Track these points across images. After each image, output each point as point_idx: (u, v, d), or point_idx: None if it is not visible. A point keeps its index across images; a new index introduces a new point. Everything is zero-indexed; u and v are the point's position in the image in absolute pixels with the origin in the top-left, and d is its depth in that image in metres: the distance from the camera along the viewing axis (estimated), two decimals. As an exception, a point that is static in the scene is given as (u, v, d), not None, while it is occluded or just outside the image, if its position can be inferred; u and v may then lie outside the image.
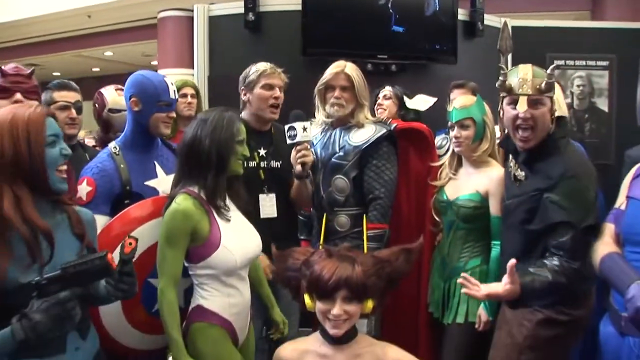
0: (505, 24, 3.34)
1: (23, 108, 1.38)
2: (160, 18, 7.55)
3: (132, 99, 1.97)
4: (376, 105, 3.00)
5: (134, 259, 1.43)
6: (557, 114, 1.93)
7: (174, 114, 2.06)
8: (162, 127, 2.00)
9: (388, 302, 2.28)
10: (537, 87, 1.79)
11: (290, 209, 2.33)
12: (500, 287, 1.69)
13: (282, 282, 1.74)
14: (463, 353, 2.10)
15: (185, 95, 2.99)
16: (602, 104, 4.16)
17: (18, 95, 1.86)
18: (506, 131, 1.94)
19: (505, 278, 1.69)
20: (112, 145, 1.99)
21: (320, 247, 2.22)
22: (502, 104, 1.91)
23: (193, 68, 3.67)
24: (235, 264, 1.72)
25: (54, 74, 11.67)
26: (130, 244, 1.37)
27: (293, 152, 2.17)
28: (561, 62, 4.10)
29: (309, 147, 2.17)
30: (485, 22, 3.75)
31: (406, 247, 1.69)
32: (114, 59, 11.03)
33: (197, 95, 3.06)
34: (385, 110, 2.97)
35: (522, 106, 1.80)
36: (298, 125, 2.11)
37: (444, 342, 2.17)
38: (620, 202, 1.65)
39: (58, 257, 1.33)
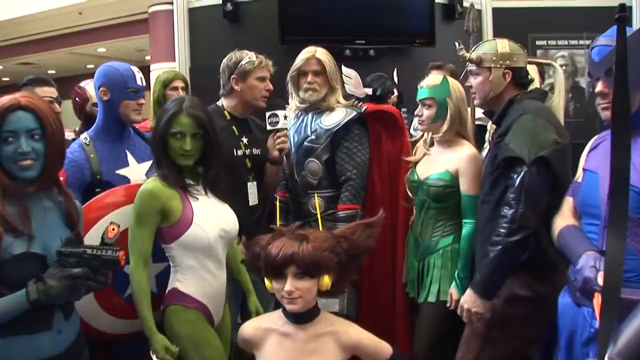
0: (471, 5, 3.42)
1: None
2: (150, 12, 7.53)
3: (101, 89, 2.03)
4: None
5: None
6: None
7: (143, 101, 2.10)
8: (132, 114, 2.06)
9: (365, 282, 2.31)
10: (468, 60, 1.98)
11: (268, 195, 2.36)
12: None
13: (252, 269, 1.76)
14: (435, 331, 2.09)
15: (176, 88, 2.92)
16: (586, 83, 4.12)
17: None
18: None
19: None
20: (83, 137, 2.04)
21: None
22: None
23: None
24: (209, 241, 1.75)
25: (49, 72, 11.63)
26: (114, 229, 1.42)
27: (270, 139, 2.22)
28: (543, 42, 4.10)
29: (286, 133, 2.23)
30: (465, 4, 3.75)
31: (364, 221, 1.69)
32: (107, 55, 10.96)
33: (186, 87, 3.01)
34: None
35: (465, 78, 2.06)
36: (280, 112, 2.17)
37: (417, 320, 2.18)
38: (578, 174, 1.62)
39: (44, 239, 1.40)
